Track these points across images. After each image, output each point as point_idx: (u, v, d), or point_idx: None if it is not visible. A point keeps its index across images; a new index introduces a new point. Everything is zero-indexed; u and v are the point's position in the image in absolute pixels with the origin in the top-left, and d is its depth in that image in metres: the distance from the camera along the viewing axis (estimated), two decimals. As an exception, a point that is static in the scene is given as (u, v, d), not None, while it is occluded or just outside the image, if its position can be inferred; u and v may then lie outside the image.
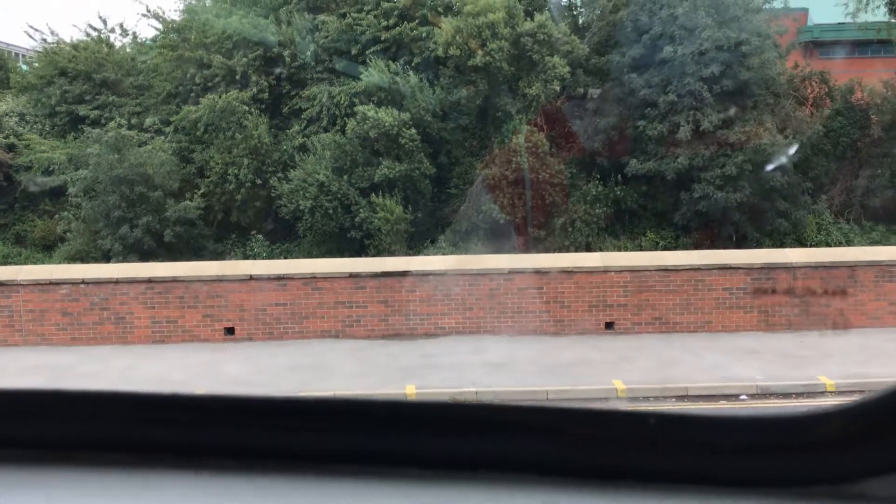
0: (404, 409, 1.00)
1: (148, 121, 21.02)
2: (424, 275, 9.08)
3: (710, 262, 9.55)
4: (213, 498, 0.93)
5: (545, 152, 20.07)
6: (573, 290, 9.21)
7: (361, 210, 18.94)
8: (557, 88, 19.97)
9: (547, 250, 20.70)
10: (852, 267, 9.79)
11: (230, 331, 9.93)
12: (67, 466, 0.97)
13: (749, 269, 9.42)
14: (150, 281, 9.84)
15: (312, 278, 9.82)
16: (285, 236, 20.50)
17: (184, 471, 0.96)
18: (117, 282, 9.86)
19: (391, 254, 18.95)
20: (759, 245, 20.07)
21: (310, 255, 19.46)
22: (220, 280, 9.89)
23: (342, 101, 20.23)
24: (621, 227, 20.89)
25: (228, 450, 0.98)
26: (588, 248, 20.37)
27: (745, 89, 19.47)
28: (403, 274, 8.95)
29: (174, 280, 9.86)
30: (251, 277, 9.91)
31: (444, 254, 20.47)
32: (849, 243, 20.25)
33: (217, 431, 0.98)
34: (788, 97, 20.09)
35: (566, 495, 0.92)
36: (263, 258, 19.54)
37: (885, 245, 20.18)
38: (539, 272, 9.30)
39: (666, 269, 9.47)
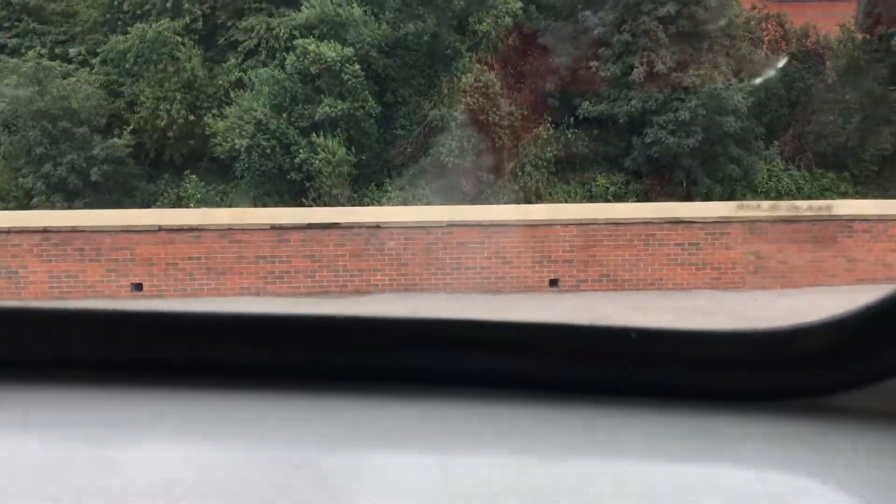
0: (385, 326, 0.97)
1: (73, 51, 19.19)
2: (355, 227, 8.06)
3: (663, 216, 8.68)
4: (187, 415, 0.91)
5: (496, 93, 18.88)
6: (516, 245, 8.29)
7: (301, 150, 17.64)
8: (509, 25, 18.69)
9: (496, 195, 19.71)
10: (811, 222, 9.03)
11: (138, 287, 8.83)
12: (39, 384, 0.93)
13: (704, 223, 8.59)
14: (45, 231, 8.63)
15: (229, 230, 8.73)
16: (223, 177, 19.13)
17: (159, 387, 0.92)
18: (8, 231, 8.63)
19: (333, 198, 17.76)
20: (709, 192, 19.33)
21: (247, 197, 18.18)
22: (125, 231, 8.73)
23: (282, 34, 18.69)
24: (572, 172, 19.95)
25: (200, 367, 0.94)
26: (537, 194, 19.44)
27: (701, 30, 18.44)
28: (332, 226, 7.93)
29: (73, 230, 8.65)
30: (160, 228, 8.78)
31: (389, 198, 19.36)
32: (799, 190, 19.65)
33: (190, 348, 0.94)
34: (744, 40, 19.11)
35: (547, 410, 0.91)
36: (198, 199, 18.22)
37: (833, 192, 19.63)
38: (480, 225, 8.33)
39: (615, 223, 8.58)
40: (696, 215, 8.91)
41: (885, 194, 19.81)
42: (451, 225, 8.25)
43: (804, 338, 0.96)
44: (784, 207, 10.22)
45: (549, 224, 8.59)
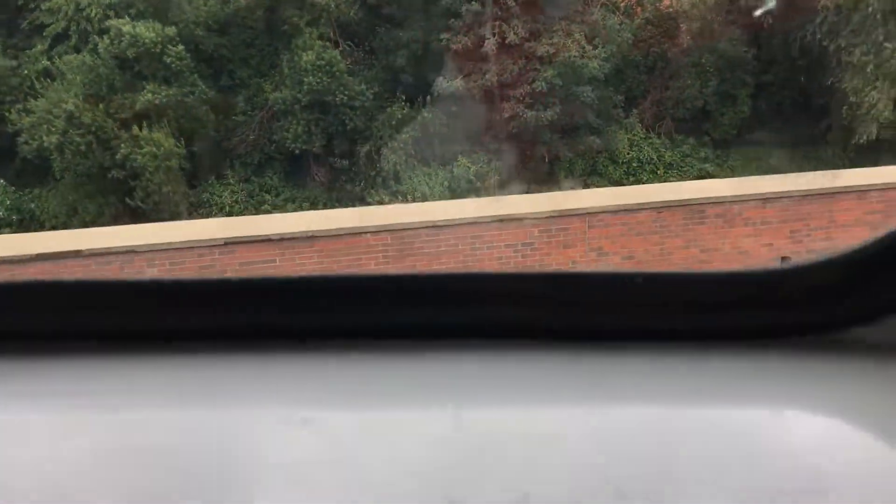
0: (384, 282, 0.96)
1: None
2: (102, 254, 6.28)
3: (489, 214, 7.30)
4: (193, 379, 0.92)
5: (341, 71, 17.10)
6: (315, 262, 6.73)
7: (123, 145, 15.38)
8: (349, -3, 16.90)
9: (352, 181, 18.06)
10: (658, 209, 7.86)
11: None
12: (39, 356, 0.92)
13: (536, 218, 7.29)
14: None
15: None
16: (39, 179, 16.61)
17: (153, 355, 0.93)
18: None
19: (164, 196, 15.63)
20: (571, 166, 18.30)
21: (65, 203, 15.81)
22: None
23: (94, 15, 16.25)
24: (432, 153, 18.44)
25: (199, 332, 0.94)
26: (397, 177, 17.89)
27: (552, -3, 17.19)
28: (68, 255, 6.12)
29: None
30: None
31: (232, 191, 17.37)
32: (660, 158, 18.86)
33: (184, 314, 0.93)
34: (597, 5, 17.97)
35: (553, 359, 0.91)
36: (7, 206, 15.71)
37: (694, 158, 18.93)
38: (270, 241, 6.70)
39: (435, 226, 7.11)
40: (526, 211, 7.57)
41: (745, 157, 19.32)
42: (231, 243, 6.59)
43: (809, 274, 0.93)
44: (629, 195, 9.03)
45: (359, 233, 7.04)
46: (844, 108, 17.26)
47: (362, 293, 0.94)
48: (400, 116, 17.66)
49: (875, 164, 18.76)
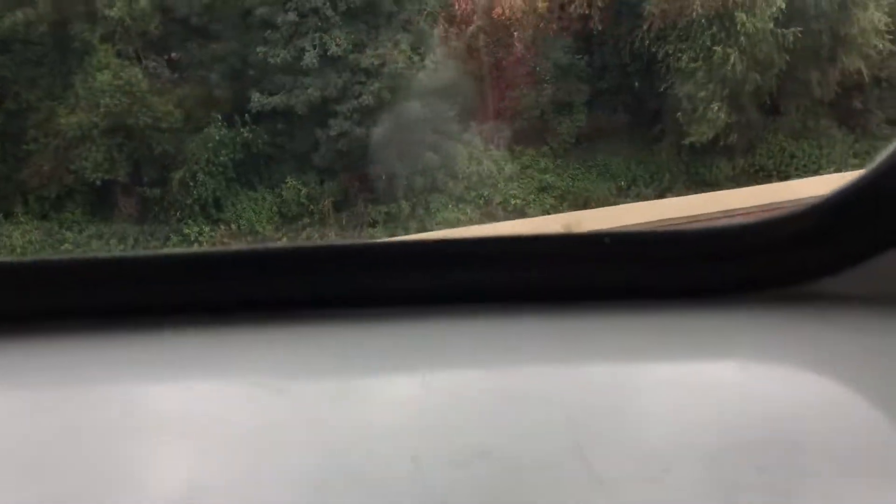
0: (353, 251, 0.98)
1: None
2: None
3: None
4: (173, 352, 0.92)
5: (143, 91, 15.13)
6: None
7: None
8: (147, 8, 14.93)
9: (166, 212, 16.06)
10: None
11: None
12: (21, 336, 0.92)
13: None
14: None
15: None
16: None
17: (125, 330, 0.92)
18: None
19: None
20: (409, 185, 17.08)
21: None
22: None
23: None
24: (257, 176, 16.74)
25: (171, 306, 0.94)
26: (217, 204, 16.09)
27: (375, 5, 15.89)
28: None
29: None
30: None
31: (23, 231, 15.01)
32: (500, 171, 17.95)
33: (155, 289, 0.94)
34: (425, 14, 16.85)
35: (524, 320, 0.91)
36: None
37: (534, 169, 18.17)
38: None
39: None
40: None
41: (585, 166, 18.77)
42: None
43: (776, 228, 0.93)
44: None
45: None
46: (678, 113, 16.93)
47: (330, 263, 0.96)
48: (217, 138, 15.86)
49: (709, 166, 18.75)
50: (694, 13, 15.99)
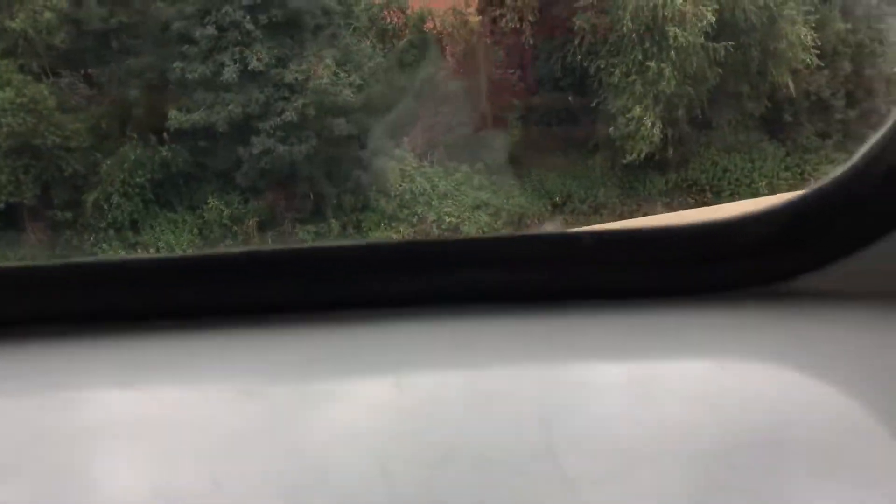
0: (328, 254, 0.97)
1: None
2: None
3: None
4: (144, 357, 0.91)
5: (50, 108, 14.20)
6: None
7: None
8: (53, 21, 14.03)
9: (79, 235, 15.12)
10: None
11: None
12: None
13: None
14: None
15: None
16: None
17: (94, 335, 0.91)
18: None
19: None
20: (340, 203, 16.43)
21: None
22: None
23: None
24: (177, 197, 15.88)
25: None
26: (134, 227, 15.20)
27: (298, 19, 15.24)
28: None
29: None
30: None
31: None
32: (433, 189, 17.42)
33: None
34: (349, 27, 16.27)
35: (503, 320, 0.89)
36: None
37: (468, 186, 17.67)
38: None
39: None
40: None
41: (519, 182, 18.37)
42: None
43: (754, 225, 0.92)
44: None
45: None
46: (611, 128, 16.64)
47: (305, 266, 0.95)
48: (133, 157, 14.99)
49: (643, 181, 18.54)
50: (625, 28, 15.73)
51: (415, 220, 16.83)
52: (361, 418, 0.81)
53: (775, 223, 0.92)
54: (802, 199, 0.90)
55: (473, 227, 16.89)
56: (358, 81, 15.29)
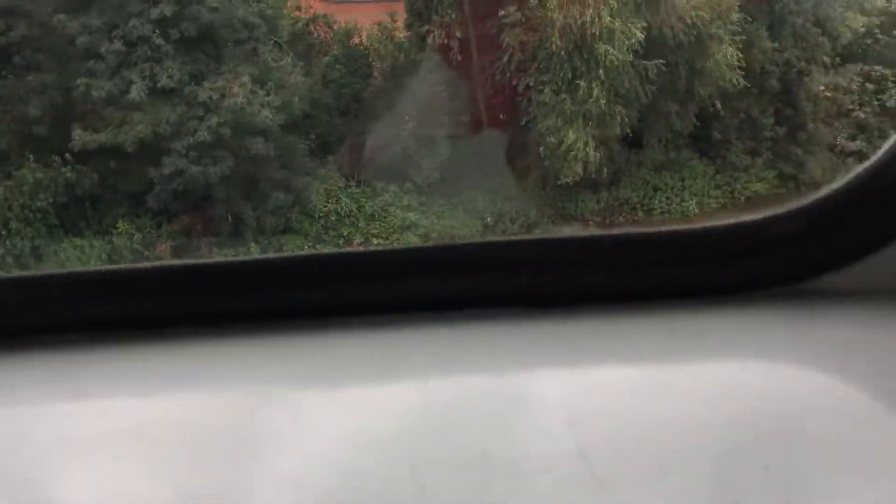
0: (351, 259, 0.98)
1: None
2: None
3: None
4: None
5: (-62, 128, 13.09)
6: None
7: None
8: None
9: (-28, 263, 13.98)
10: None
11: None
12: (12, 350, 0.92)
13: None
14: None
15: None
16: None
17: (121, 343, 0.91)
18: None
19: None
20: (260, 225, 15.62)
21: None
22: None
23: None
24: (84, 221, 14.86)
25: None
26: (36, 254, 14.15)
27: (213, 34, 14.43)
28: None
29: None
30: None
31: None
32: (360, 210, 16.74)
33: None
34: (270, 42, 15.50)
35: (525, 323, 0.88)
36: None
37: (397, 206, 17.00)
38: None
39: None
40: None
41: (450, 203, 17.81)
42: None
43: (777, 225, 0.91)
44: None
45: None
46: (541, 147, 16.20)
47: (331, 271, 0.95)
48: (33, 180, 13.95)
49: (575, 200, 18.19)
50: (553, 45, 15.32)
51: (340, 242, 16.12)
52: (389, 423, 0.80)
53: (797, 223, 0.91)
54: (824, 199, 0.88)
55: (402, 249, 16.28)
56: (277, 101, 14.50)
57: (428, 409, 0.82)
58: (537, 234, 17.47)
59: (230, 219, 15.41)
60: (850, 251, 0.89)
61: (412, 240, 16.52)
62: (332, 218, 16.42)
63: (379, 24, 17.16)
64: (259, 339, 0.92)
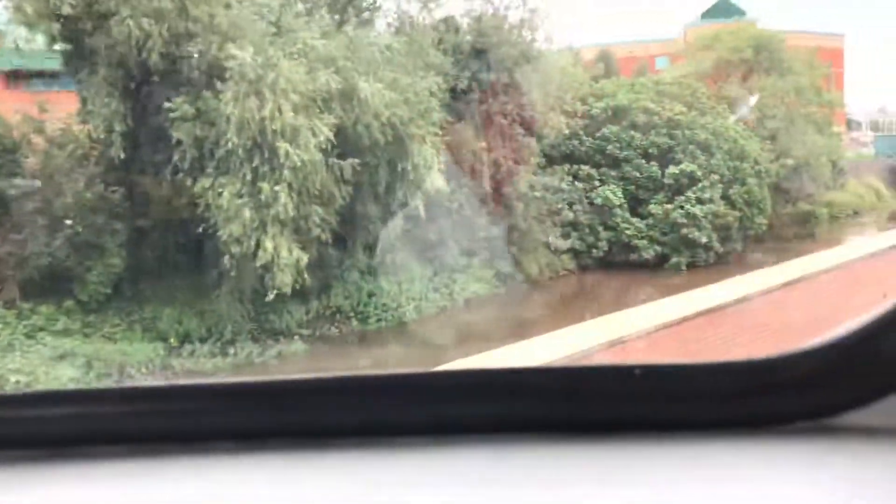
0: (392, 381, 0.97)
1: None
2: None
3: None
4: (217, 480, 0.91)
5: None
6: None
7: None
8: None
9: None
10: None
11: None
12: (63, 462, 0.92)
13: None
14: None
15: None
16: None
17: (183, 456, 0.92)
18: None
19: None
20: None
21: None
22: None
23: None
24: None
25: (225, 434, 0.94)
26: None
27: None
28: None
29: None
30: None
31: None
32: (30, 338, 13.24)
33: (211, 417, 0.94)
34: None
35: (560, 450, 0.90)
36: None
37: (51, 332, 13.68)
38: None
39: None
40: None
41: (127, 320, 14.79)
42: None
43: (801, 361, 0.93)
44: None
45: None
46: (226, 256, 13.75)
47: (370, 392, 0.93)
48: None
49: (280, 312, 15.92)
50: (230, 142, 13.17)
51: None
52: None
53: (821, 359, 0.89)
54: (849, 336, 0.87)
55: (54, 384, 12.87)
56: None
57: None
58: (236, 351, 14.97)
59: None
60: (875, 388, 0.86)
61: (68, 373, 13.25)
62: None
63: (24, 114, 14.12)
64: (300, 457, 0.89)
